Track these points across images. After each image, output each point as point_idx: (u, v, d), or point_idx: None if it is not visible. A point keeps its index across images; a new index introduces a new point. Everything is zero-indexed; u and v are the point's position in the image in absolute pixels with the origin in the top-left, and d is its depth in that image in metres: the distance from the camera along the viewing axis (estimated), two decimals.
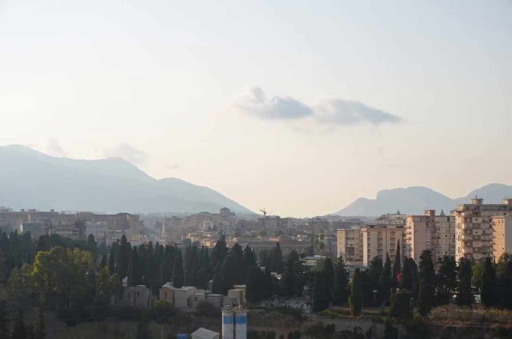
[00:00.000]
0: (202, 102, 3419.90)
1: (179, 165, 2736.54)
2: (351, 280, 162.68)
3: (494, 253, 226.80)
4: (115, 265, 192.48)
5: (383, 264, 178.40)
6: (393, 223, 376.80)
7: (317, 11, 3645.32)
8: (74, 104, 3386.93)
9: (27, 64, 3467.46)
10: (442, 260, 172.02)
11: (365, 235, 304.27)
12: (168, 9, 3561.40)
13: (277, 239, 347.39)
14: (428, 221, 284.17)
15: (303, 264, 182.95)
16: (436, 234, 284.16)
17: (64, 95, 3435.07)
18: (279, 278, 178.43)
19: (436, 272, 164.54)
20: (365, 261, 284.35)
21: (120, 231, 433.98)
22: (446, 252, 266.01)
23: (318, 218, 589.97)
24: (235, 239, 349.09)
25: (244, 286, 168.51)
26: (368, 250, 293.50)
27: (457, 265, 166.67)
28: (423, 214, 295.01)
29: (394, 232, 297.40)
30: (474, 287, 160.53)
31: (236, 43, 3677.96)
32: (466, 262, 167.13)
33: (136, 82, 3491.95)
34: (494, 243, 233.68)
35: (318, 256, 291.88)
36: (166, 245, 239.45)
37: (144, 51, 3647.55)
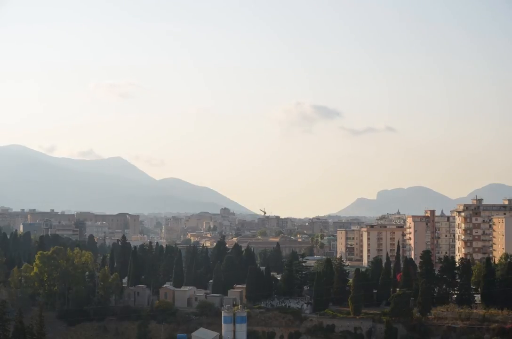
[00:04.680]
0: (202, 102, 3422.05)
1: (179, 164, 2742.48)
2: (351, 280, 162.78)
3: (494, 253, 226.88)
4: (115, 265, 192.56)
5: (383, 264, 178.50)
6: (393, 223, 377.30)
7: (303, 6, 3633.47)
8: (74, 103, 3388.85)
9: (26, 62, 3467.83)
10: (442, 260, 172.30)
11: (365, 235, 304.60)
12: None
13: (277, 239, 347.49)
14: (428, 221, 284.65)
15: (303, 264, 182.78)
16: (436, 234, 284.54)
17: (63, 94, 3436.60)
18: (279, 278, 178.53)
19: (436, 272, 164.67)
20: (365, 261, 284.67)
21: (120, 231, 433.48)
22: (446, 252, 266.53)
23: (318, 218, 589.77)
24: (235, 239, 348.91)
25: (244, 286, 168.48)
26: (368, 250, 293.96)
27: (457, 265, 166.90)
28: (423, 214, 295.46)
29: (394, 232, 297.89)
30: (474, 287, 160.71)
31: (223, 35, 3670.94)
32: (466, 262, 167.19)
33: (135, 81, 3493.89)
34: (494, 243, 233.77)
35: (318, 256, 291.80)
36: (166, 245, 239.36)
37: (141, 49, 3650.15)
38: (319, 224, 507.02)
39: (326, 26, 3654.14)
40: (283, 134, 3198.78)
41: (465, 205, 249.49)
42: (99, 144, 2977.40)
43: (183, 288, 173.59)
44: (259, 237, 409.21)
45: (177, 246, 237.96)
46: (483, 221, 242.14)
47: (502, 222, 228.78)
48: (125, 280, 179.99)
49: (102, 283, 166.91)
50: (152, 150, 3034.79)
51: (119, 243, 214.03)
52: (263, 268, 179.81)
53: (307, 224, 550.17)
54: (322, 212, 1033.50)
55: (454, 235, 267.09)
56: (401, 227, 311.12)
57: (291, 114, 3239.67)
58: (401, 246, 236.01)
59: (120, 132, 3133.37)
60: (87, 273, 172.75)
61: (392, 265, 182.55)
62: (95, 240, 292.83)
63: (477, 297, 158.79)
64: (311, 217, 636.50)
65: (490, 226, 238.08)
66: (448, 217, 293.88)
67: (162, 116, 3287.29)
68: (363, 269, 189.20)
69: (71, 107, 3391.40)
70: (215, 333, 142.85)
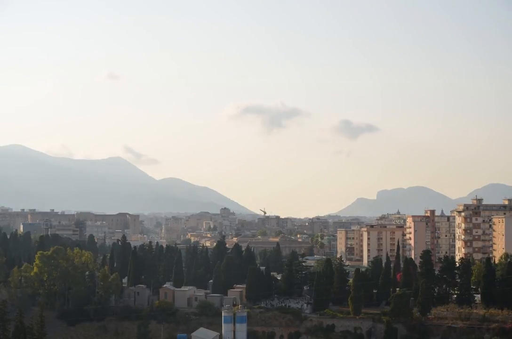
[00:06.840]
0: (202, 102, 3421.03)
1: (178, 164, 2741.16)
2: (351, 280, 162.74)
3: (494, 253, 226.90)
4: (115, 265, 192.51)
5: (383, 264, 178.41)
6: (393, 223, 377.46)
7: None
8: (73, 103, 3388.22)
9: (28, 62, 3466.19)
10: (442, 260, 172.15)
11: (365, 235, 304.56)
12: None
13: (277, 239, 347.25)
14: (428, 221, 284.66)
15: (303, 264, 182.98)
16: (436, 234, 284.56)
17: (62, 94, 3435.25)
18: (279, 278, 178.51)
19: (436, 272, 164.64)
20: (365, 261, 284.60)
21: (120, 231, 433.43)
22: (446, 252, 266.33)
23: (318, 218, 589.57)
24: (235, 239, 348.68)
25: (244, 286, 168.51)
26: (368, 250, 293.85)
27: (457, 265, 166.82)
28: (423, 214, 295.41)
29: (394, 232, 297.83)
30: (474, 287, 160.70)
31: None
32: (466, 262, 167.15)
33: (134, 80, 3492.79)
34: (494, 243, 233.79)
35: (318, 256, 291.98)
36: (166, 245, 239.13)
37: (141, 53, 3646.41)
38: (319, 224, 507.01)
39: (313, 20, 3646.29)
40: (282, 135, 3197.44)
41: (465, 205, 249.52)
42: (99, 144, 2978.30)
43: (183, 288, 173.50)
44: (259, 237, 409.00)
45: (177, 246, 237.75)
46: (483, 221, 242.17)
47: (502, 222, 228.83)
48: (125, 280, 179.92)
49: (102, 283, 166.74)
50: (152, 150, 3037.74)
51: (119, 243, 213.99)
52: (263, 268, 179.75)
53: (307, 224, 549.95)
54: (322, 212, 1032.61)
55: (454, 235, 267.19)
56: (401, 227, 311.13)
57: (286, 112, 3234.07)
58: (401, 246, 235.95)
59: (120, 132, 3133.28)
60: (87, 273, 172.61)
61: (392, 265, 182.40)
62: (95, 240, 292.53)
63: (477, 297, 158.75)
64: (311, 217, 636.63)
65: (490, 226, 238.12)
66: (448, 217, 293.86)
67: (161, 116, 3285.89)
68: (363, 269, 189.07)
69: (69, 107, 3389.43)
70: (215, 333, 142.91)
